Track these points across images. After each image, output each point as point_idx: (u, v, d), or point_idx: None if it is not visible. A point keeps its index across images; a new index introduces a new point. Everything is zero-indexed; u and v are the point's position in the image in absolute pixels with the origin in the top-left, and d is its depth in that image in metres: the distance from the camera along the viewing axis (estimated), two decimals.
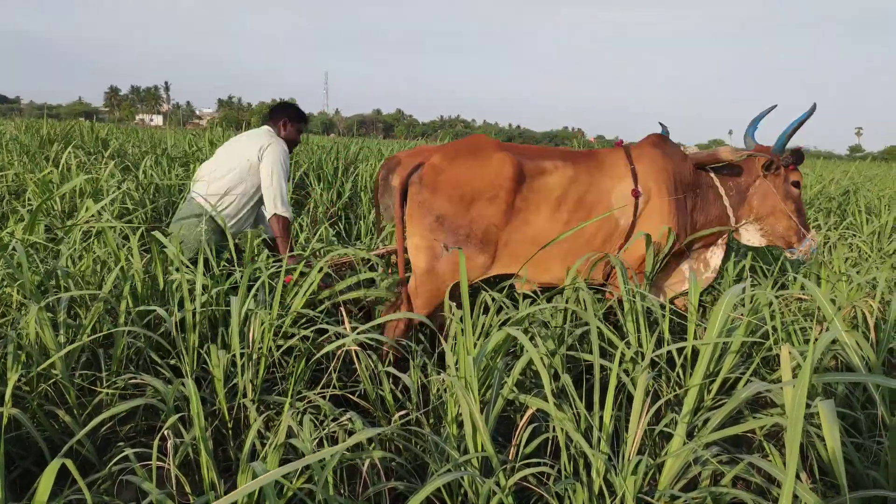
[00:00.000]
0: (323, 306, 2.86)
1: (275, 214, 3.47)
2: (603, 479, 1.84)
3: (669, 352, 2.81)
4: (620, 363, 2.35)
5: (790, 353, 1.75)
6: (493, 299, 2.79)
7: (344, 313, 2.66)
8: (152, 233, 2.93)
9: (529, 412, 2.06)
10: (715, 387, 2.25)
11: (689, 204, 3.17)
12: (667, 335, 2.38)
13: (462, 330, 2.14)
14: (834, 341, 2.17)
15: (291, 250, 3.51)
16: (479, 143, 3.08)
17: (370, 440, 2.12)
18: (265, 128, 3.69)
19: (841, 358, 2.60)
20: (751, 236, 3.38)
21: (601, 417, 1.96)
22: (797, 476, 1.55)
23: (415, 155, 3.18)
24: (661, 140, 3.27)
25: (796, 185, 3.33)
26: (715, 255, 3.36)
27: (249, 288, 2.86)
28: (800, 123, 3.18)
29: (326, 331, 2.75)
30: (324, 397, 2.46)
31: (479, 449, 1.93)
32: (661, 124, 3.62)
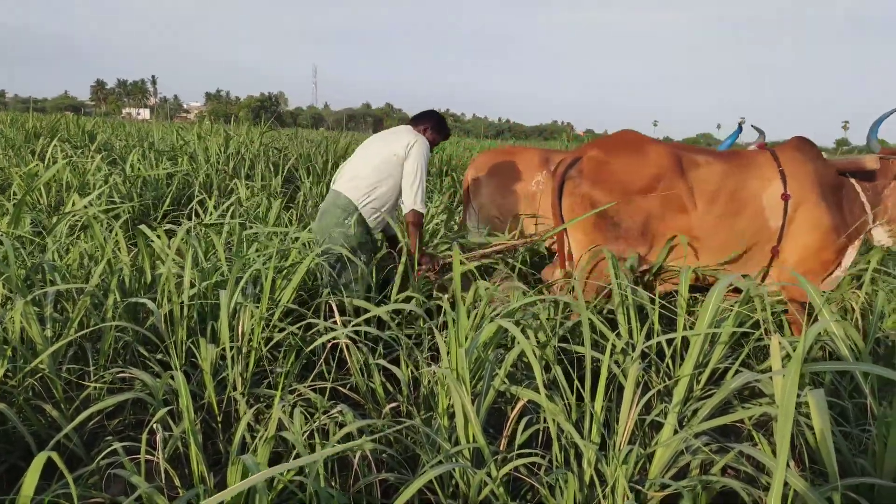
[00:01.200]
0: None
1: (412, 209, 3.53)
2: (594, 469, 1.84)
3: (660, 344, 2.82)
4: (612, 355, 2.36)
5: (780, 343, 1.77)
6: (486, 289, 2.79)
7: (335, 308, 2.64)
8: (139, 226, 2.90)
9: (521, 403, 2.06)
10: (704, 377, 2.26)
11: (839, 208, 3.20)
12: (657, 326, 2.39)
13: (454, 321, 2.14)
14: (823, 331, 2.19)
15: (422, 245, 3.61)
16: (633, 138, 3.16)
17: (361, 431, 2.11)
18: (407, 127, 3.75)
19: (829, 348, 2.62)
20: (882, 237, 3.42)
21: (592, 408, 1.96)
22: (786, 464, 1.56)
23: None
24: (804, 143, 3.28)
25: None
26: (848, 256, 3.35)
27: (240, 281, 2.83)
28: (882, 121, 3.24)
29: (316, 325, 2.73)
30: (315, 390, 2.45)
31: (471, 440, 1.93)
32: (754, 127, 3.93)
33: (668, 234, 3.05)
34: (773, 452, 1.84)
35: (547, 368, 2.41)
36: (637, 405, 1.86)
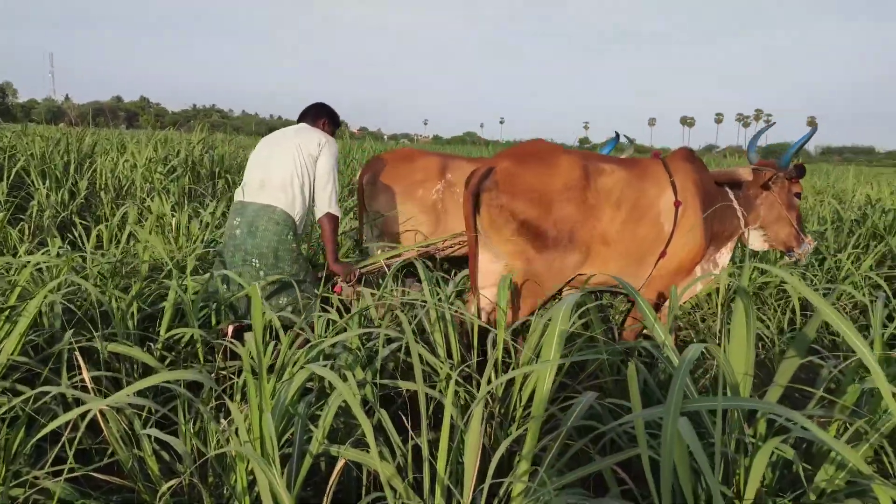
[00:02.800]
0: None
1: (328, 213, 3.30)
2: None
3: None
4: (456, 392, 2.05)
5: (633, 366, 1.59)
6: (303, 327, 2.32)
7: (81, 361, 1.97)
8: None
9: (339, 465, 1.65)
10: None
11: (711, 215, 3.39)
12: (499, 353, 2.13)
13: (254, 371, 1.66)
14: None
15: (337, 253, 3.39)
16: (544, 147, 3.20)
17: None
18: (304, 126, 3.46)
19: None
20: (756, 241, 3.67)
21: (433, 461, 1.63)
22: None
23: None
24: (690, 155, 3.48)
25: (797, 195, 3.62)
26: (723, 257, 3.60)
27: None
28: (805, 141, 3.51)
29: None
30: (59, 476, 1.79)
31: None
32: (620, 134, 4.34)
33: (594, 240, 3.11)
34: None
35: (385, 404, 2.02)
36: (481, 457, 1.56)
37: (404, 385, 1.92)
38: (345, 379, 1.84)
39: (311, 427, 1.68)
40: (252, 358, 1.66)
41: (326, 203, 3.29)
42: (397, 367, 2.61)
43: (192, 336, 2.77)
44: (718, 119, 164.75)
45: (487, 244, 3.12)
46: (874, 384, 1.52)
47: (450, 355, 2.44)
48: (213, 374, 2.66)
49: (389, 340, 2.38)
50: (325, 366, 1.76)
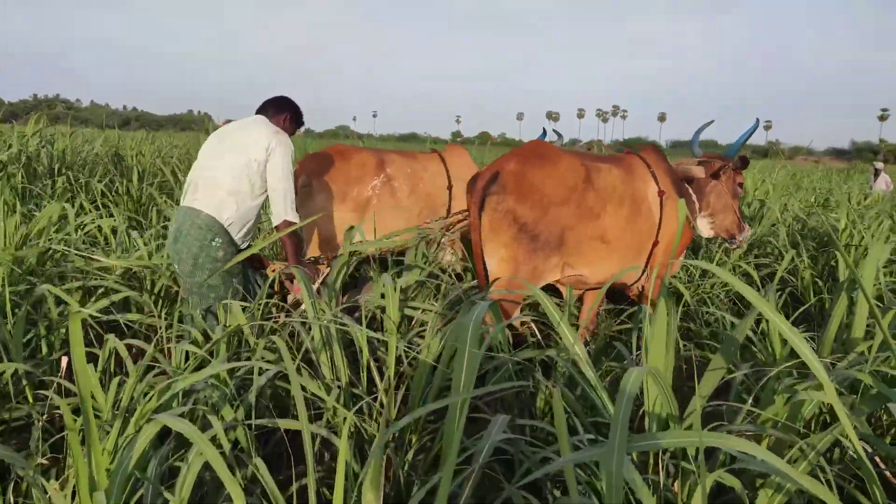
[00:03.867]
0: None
1: (285, 220, 3.04)
2: None
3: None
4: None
5: (559, 393, 1.37)
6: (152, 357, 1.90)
7: None
8: None
9: None
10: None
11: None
12: (391, 371, 1.85)
13: (82, 432, 1.27)
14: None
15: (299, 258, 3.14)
16: (547, 150, 3.21)
17: None
18: (263, 118, 3.18)
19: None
20: (704, 228, 3.89)
21: None
22: None
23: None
24: (659, 150, 3.66)
25: (741, 185, 3.93)
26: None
27: None
28: (750, 134, 3.83)
29: None
30: None
31: None
32: (555, 132, 4.75)
33: (583, 240, 3.14)
34: None
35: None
36: None
37: (285, 424, 1.60)
38: (207, 427, 1.49)
39: (167, 496, 1.32)
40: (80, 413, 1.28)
41: (283, 209, 3.03)
42: (277, 395, 2.27)
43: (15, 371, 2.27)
44: (580, 114, 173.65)
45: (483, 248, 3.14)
46: (807, 396, 1.41)
47: (358, 377, 2.13)
48: (44, 416, 2.18)
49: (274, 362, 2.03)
50: (183, 412, 1.41)
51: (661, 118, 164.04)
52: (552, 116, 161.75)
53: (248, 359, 2.17)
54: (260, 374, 1.74)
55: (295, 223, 3.06)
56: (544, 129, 4.51)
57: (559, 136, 4.91)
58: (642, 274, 3.49)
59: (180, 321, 2.79)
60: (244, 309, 2.60)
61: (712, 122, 4.45)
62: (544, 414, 2.21)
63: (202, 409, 1.61)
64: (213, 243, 2.91)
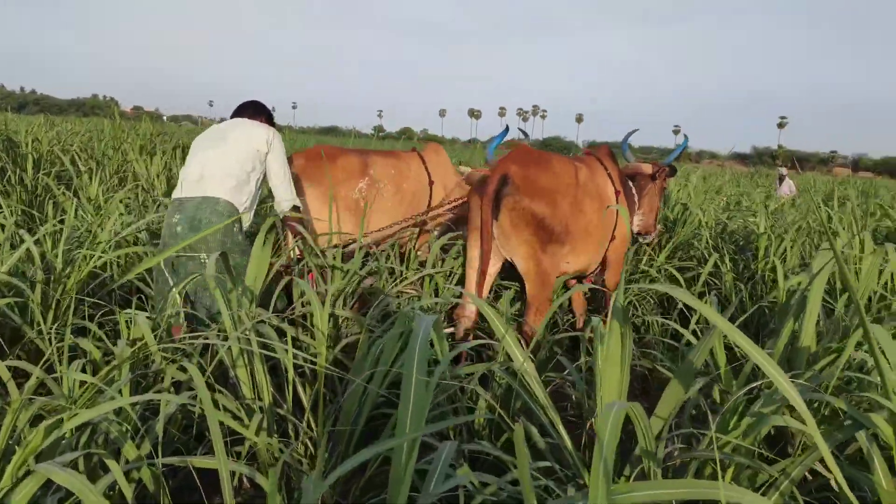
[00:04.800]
0: None
1: (294, 205, 3.38)
2: None
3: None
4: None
5: (521, 431, 1.23)
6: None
7: None
8: None
9: None
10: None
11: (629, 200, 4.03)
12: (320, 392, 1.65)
13: None
14: None
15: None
16: (539, 152, 3.47)
17: None
18: (245, 120, 3.37)
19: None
20: (637, 224, 4.25)
21: None
22: None
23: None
24: (611, 151, 4.00)
25: (664, 189, 4.42)
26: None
27: None
28: (684, 148, 4.56)
29: None
30: None
31: None
32: (520, 130, 5.08)
33: (577, 233, 3.35)
34: None
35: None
36: None
37: (199, 463, 1.38)
38: (99, 474, 1.25)
39: None
40: None
41: (290, 194, 3.34)
42: (189, 415, 2.02)
43: None
44: (501, 113, 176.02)
45: (497, 248, 3.29)
46: (783, 422, 1.33)
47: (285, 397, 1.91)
48: None
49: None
50: (75, 458, 1.16)
51: (579, 119, 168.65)
52: (474, 114, 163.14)
53: (156, 378, 1.93)
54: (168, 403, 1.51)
55: (298, 205, 3.39)
56: (507, 126, 4.49)
57: (525, 135, 5.24)
58: (598, 266, 3.83)
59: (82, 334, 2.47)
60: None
61: (637, 130, 4.82)
62: (490, 431, 2.07)
63: (98, 452, 1.36)
64: (234, 228, 3.07)
